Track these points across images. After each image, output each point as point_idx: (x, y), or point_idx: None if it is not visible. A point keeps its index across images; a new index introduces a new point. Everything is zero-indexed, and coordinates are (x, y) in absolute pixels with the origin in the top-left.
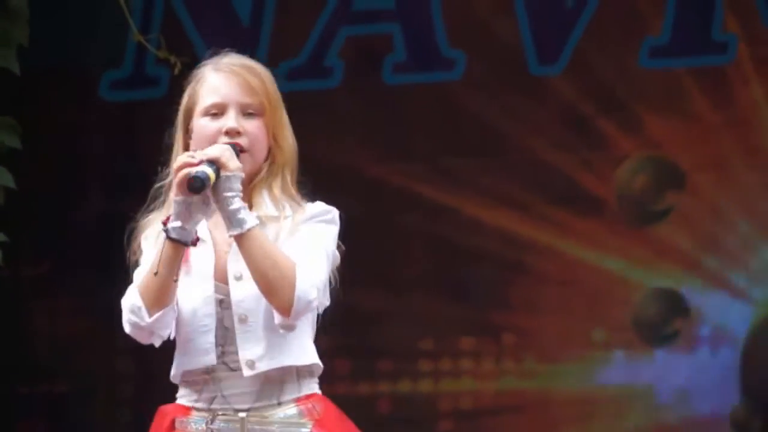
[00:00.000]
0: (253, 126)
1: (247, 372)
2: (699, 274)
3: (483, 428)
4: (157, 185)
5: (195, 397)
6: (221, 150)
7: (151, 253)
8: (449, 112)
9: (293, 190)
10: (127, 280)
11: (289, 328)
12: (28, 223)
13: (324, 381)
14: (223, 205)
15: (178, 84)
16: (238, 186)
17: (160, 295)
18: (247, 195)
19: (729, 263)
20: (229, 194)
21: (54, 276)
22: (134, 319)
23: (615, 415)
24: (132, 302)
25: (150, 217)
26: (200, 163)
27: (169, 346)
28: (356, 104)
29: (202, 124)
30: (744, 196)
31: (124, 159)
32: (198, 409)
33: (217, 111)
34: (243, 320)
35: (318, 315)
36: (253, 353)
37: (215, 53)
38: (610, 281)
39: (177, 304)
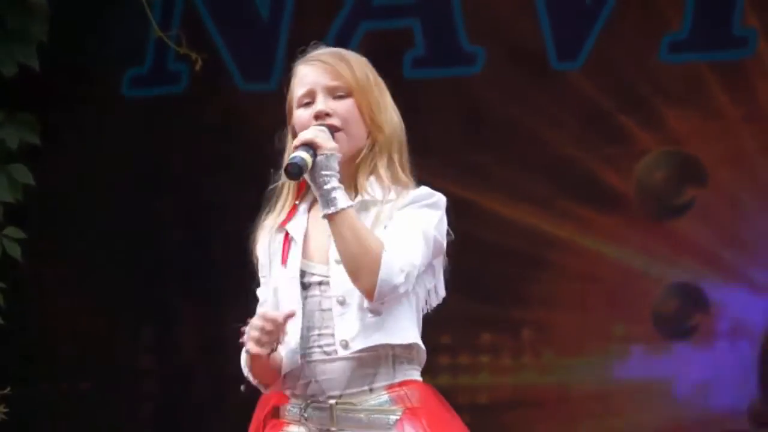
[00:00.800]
0: (342, 106)
1: (341, 352)
2: (718, 269)
3: (501, 423)
4: (270, 187)
5: (293, 383)
6: (314, 131)
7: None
8: (469, 107)
9: (401, 173)
10: (152, 278)
11: (377, 312)
12: (49, 220)
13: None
14: (318, 184)
15: (198, 80)
16: (335, 165)
17: (267, 377)
18: (352, 176)
19: (748, 258)
20: (326, 173)
21: (75, 274)
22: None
23: (634, 409)
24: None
25: (263, 221)
26: (296, 148)
27: (189, 340)
28: None
29: (298, 116)
30: (764, 191)
31: (145, 155)
32: (295, 396)
33: (308, 100)
34: (341, 302)
35: (427, 300)
36: (348, 333)
37: (306, 49)
38: (629, 276)
39: (278, 304)
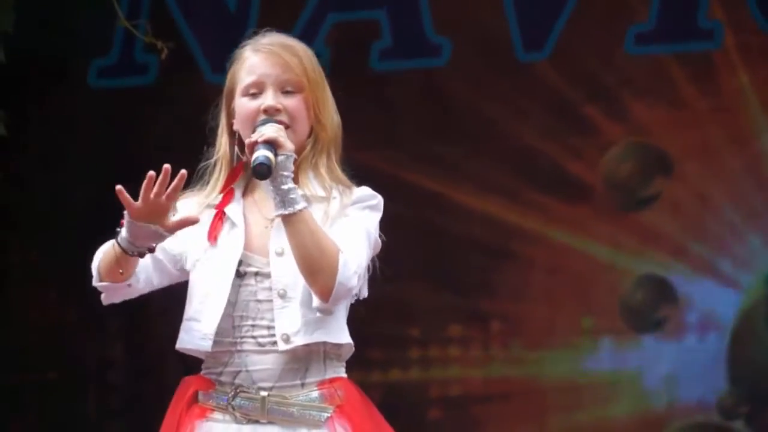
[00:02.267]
0: (292, 103)
1: (282, 346)
2: (686, 261)
3: (472, 415)
4: (202, 164)
5: (219, 370)
6: (276, 130)
7: None
8: (436, 99)
9: (339, 171)
10: None
11: (327, 312)
12: (16, 211)
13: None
14: (277, 184)
15: (166, 71)
16: (292, 166)
17: (110, 269)
18: (293, 172)
19: (716, 250)
20: (285, 173)
21: (42, 264)
22: (93, 275)
23: (603, 401)
24: (94, 262)
25: (185, 194)
26: (256, 144)
27: (158, 329)
28: (343, 90)
29: (242, 104)
30: (731, 183)
31: (112, 145)
32: (221, 383)
33: (256, 90)
34: (282, 295)
35: (355, 299)
36: (290, 327)
37: (255, 33)
38: (597, 268)
39: (196, 272)
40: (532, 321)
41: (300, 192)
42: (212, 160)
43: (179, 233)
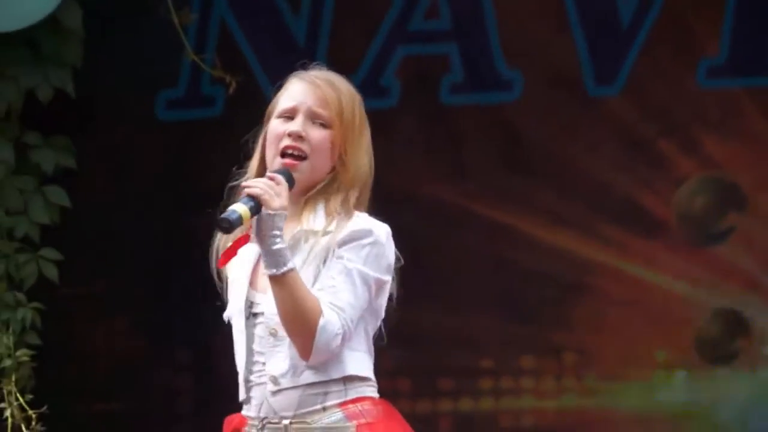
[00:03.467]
0: (317, 135)
1: (271, 387)
2: (760, 294)
3: None
4: (230, 185)
5: (249, 404)
6: (266, 186)
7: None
8: (506, 133)
9: (352, 209)
10: (183, 297)
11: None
12: (84, 242)
13: (384, 399)
14: (265, 243)
15: (233, 103)
16: (281, 224)
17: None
18: (301, 205)
19: None
20: (270, 233)
21: (110, 294)
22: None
23: None
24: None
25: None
26: (240, 194)
27: (225, 360)
28: (413, 124)
29: (273, 125)
30: None
31: (179, 178)
32: (251, 417)
33: (289, 115)
34: (273, 334)
35: (380, 318)
36: (278, 369)
37: (306, 65)
38: (671, 301)
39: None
40: (606, 353)
41: (287, 252)
42: (240, 180)
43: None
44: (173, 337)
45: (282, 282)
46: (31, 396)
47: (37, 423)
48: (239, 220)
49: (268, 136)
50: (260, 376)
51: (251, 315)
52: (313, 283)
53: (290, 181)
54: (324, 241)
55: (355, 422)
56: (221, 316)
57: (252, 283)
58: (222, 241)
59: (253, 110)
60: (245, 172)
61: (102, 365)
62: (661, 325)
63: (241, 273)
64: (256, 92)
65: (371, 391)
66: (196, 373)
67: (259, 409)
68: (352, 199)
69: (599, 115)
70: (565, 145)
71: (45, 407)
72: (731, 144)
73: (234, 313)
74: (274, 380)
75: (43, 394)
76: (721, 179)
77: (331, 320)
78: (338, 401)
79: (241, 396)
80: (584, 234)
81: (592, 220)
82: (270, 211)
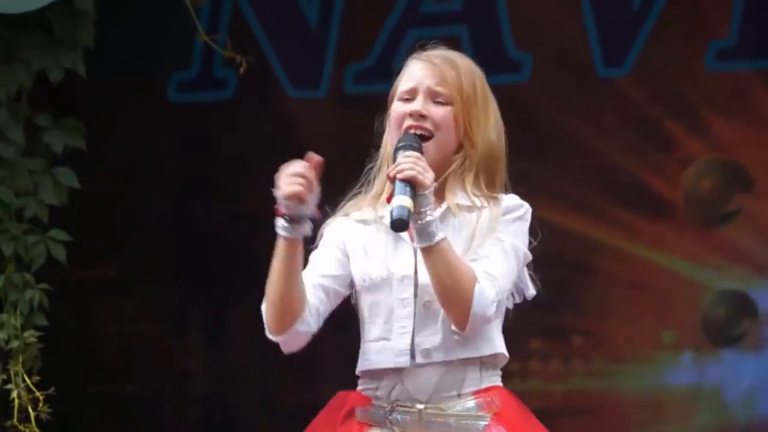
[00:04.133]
0: (439, 113)
1: (420, 359)
2: (767, 276)
3: (551, 429)
4: (368, 167)
5: (376, 385)
6: (414, 164)
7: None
8: (516, 114)
9: (485, 189)
10: (194, 279)
11: (463, 335)
12: (95, 223)
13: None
14: (417, 218)
15: (246, 86)
16: (432, 199)
17: (281, 314)
18: (440, 185)
19: None
20: (424, 209)
21: (121, 276)
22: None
23: (683, 415)
24: (263, 316)
25: (349, 200)
26: (393, 181)
27: (236, 342)
28: None
29: (394, 108)
30: None
31: (191, 160)
32: (378, 398)
33: (409, 96)
34: (427, 306)
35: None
36: (430, 342)
37: (424, 45)
38: (678, 283)
39: (374, 294)
40: (613, 335)
41: (438, 223)
42: (377, 163)
43: (342, 255)
44: (183, 319)
45: (435, 252)
46: (38, 377)
47: (44, 405)
48: (409, 215)
49: (390, 120)
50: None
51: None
52: (465, 257)
53: (420, 147)
54: (485, 216)
55: (488, 412)
56: (232, 298)
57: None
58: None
59: (264, 92)
60: (376, 164)
61: (110, 347)
62: (668, 306)
63: (374, 243)
64: (268, 74)
65: (499, 380)
66: (206, 356)
67: (390, 390)
68: (484, 177)
69: (608, 96)
70: (574, 127)
71: (52, 389)
72: (739, 126)
73: (389, 283)
74: (427, 353)
75: (50, 375)
76: (728, 161)
77: (486, 287)
78: (473, 389)
79: (395, 363)
80: (592, 216)
81: (599, 202)
82: (426, 192)
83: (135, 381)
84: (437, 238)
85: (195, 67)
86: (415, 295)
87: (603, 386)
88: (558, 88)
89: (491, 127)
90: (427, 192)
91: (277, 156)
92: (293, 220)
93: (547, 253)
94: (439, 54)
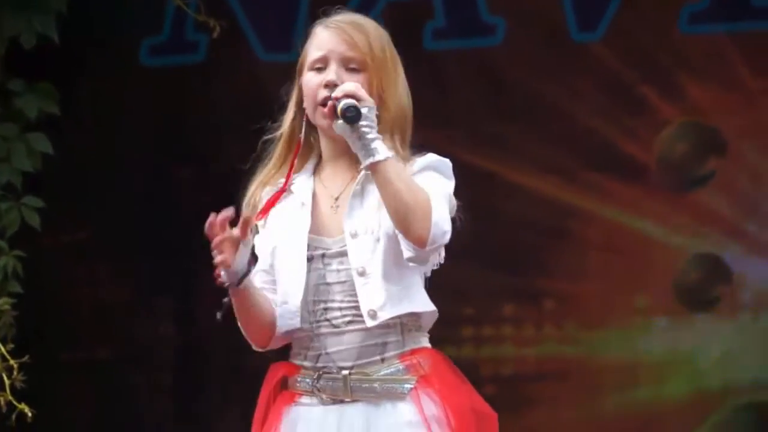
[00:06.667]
0: (353, 80)
1: (369, 322)
2: (740, 240)
3: (525, 393)
4: (266, 137)
5: (303, 354)
6: (356, 85)
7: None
8: (489, 78)
9: (400, 150)
10: (171, 247)
11: (422, 260)
12: (68, 189)
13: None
14: (361, 134)
15: (217, 50)
16: (374, 117)
17: (257, 337)
18: (352, 152)
19: None
20: (369, 123)
21: (94, 242)
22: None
23: (657, 380)
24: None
25: (259, 173)
26: (335, 99)
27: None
28: None
29: (307, 79)
30: None
31: (164, 124)
32: (305, 368)
33: (321, 65)
34: (362, 273)
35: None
36: (375, 303)
37: (328, 11)
38: (651, 247)
39: (276, 260)
40: (586, 300)
41: (382, 142)
42: (276, 135)
43: (259, 242)
44: (155, 285)
45: (387, 167)
46: (12, 345)
47: (18, 373)
48: (359, 110)
49: (304, 90)
50: (320, 325)
51: (315, 258)
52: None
53: (358, 113)
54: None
55: (414, 375)
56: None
57: (314, 230)
58: (252, 195)
59: (236, 55)
60: (279, 126)
61: (84, 314)
62: (641, 271)
63: (288, 220)
64: (239, 37)
65: (425, 341)
66: (178, 322)
67: (316, 359)
68: (398, 139)
69: (582, 60)
70: (547, 91)
71: (26, 357)
72: (713, 90)
73: (288, 249)
74: (373, 314)
75: (24, 343)
76: (702, 125)
77: (437, 203)
78: (397, 352)
79: (291, 325)
80: (565, 180)
81: (573, 166)
82: (369, 105)
83: (108, 347)
84: (386, 153)
85: (166, 30)
86: (312, 256)
87: (576, 351)
88: (531, 53)
89: (402, 87)
90: (369, 106)
91: (249, 118)
92: (231, 283)
93: (520, 216)
94: (347, 19)
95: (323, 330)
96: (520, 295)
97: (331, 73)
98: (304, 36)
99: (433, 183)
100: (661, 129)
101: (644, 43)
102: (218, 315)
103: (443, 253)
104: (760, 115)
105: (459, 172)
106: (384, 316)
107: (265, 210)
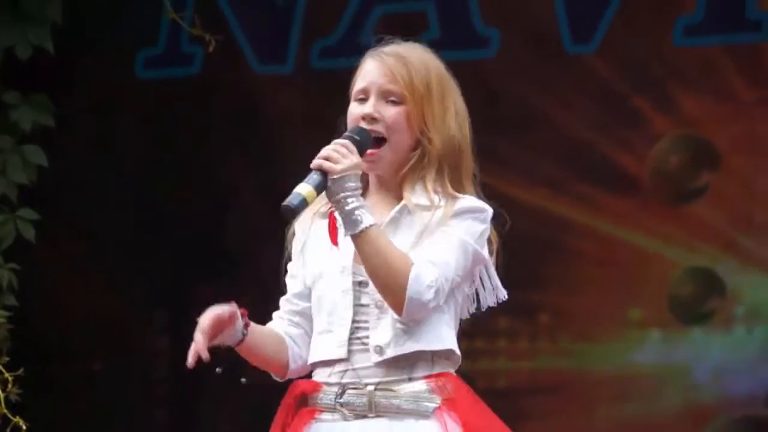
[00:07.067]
0: (392, 113)
1: (375, 358)
2: (734, 253)
3: (519, 407)
4: None
5: (328, 371)
6: (329, 152)
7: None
8: (483, 90)
9: (449, 186)
10: (166, 260)
11: (404, 322)
12: (63, 201)
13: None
14: (337, 207)
15: (213, 62)
16: (352, 185)
17: (273, 370)
18: (398, 185)
19: (764, 242)
20: (341, 195)
21: (89, 255)
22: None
23: (651, 394)
24: None
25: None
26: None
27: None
28: None
29: (351, 109)
30: None
31: (159, 137)
32: (329, 384)
33: (363, 96)
34: (380, 306)
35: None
36: (382, 339)
37: (382, 40)
38: (645, 260)
39: (318, 289)
40: (579, 313)
41: (364, 210)
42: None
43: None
44: (151, 297)
45: (364, 239)
46: (7, 358)
47: (13, 386)
48: (303, 203)
49: (348, 120)
50: (357, 343)
51: (355, 284)
52: (412, 252)
53: (365, 138)
54: (438, 213)
55: (439, 395)
56: (199, 275)
57: (356, 256)
58: (308, 225)
59: (231, 69)
60: None
61: (79, 326)
62: (635, 284)
63: (330, 249)
64: (235, 51)
65: (452, 369)
66: (173, 335)
67: (342, 375)
68: (448, 172)
69: (576, 72)
70: (541, 103)
71: (21, 370)
72: (707, 102)
73: (333, 275)
74: (380, 350)
75: (19, 356)
76: (696, 137)
77: (423, 271)
78: (424, 374)
79: (336, 355)
80: (559, 192)
81: (567, 179)
82: (335, 176)
83: (103, 359)
84: (363, 225)
85: (162, 43)
86: (358, 286)
87: (570, 365)
88: (525, 64)
89: (450, 120)
90: (336, 176)
91: (244, 130)
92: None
93: (513, 229)
94: (392, 50)
95: (354, 347)
96: (514, 308)
97: (368, 107)
98: (356, 66)
99: (452, 236)
100: (655, 141)
101: (638, 55)
102: (217, 369)
103: (495, 296)
104: (755, 128)
105: None
106: (390, 353)
107: (333, 240)
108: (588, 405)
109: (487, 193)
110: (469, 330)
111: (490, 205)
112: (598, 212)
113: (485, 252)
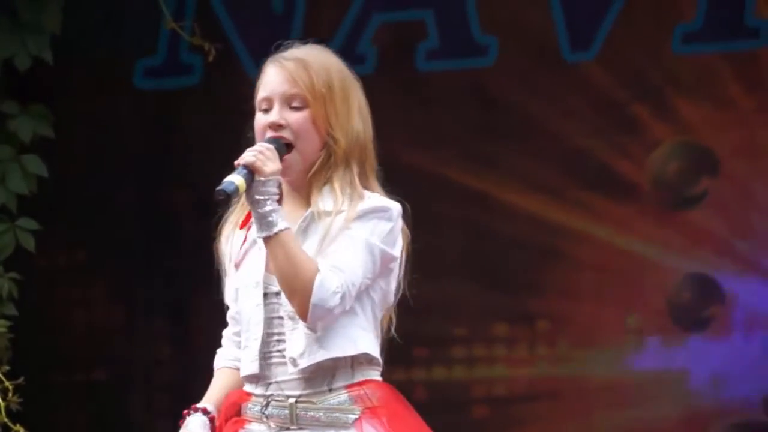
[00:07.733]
0: (296, 118)
1: (290, 369)
2: (733, 260)
3: (517, 414)
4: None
5: (255, 382)
6: (257, 153)
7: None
8: (482, 99)
9: (357, 183)
10: (166, 269)
11: (313, 330)
12: (63, 211)
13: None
14: (254, 207)
15: (212, 72)
16: (273, 190)
17: None
18: (306, 188)
19: (763, 248)
20: (260, 197)
21: (89, 264)
22: None
23: (649, 400)
24: None
25: (228, 216)
26: (237, 166)
27: (204, 329)
28: (389, 91)
29: (256, 119)
30: None
31: (158, 146)
32: (256, 395)
33: (266, 106)
34: (292, 317)
35: (389, 304)
36: (295, 350)
37: (280, 45)
38: (644, 267)
39: (238, 303)
40: (578, 320)
41: (278, 214)
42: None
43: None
44: (151, 306)
45: (275, 242)
46: (7, 367)
47: (14, 395)
48: (236, 191)
49: (255, 131)
50: (272, 355)
51: (269, 294)
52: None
53: (281, 148)
54: (339, 219)
55: (360, 405)
56: (199, 285)
57: (268, 266)
58: (227, 237)
59: (230, 78)
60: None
61: (79, 336)
62: (633, 290)
63: (247, 261)
64: (234, 60)
65: (376, 374)
66: (173, 344)
67: (267, 387)
68: (356, 169)
69: (575, 80)
70: (540, 111)
71: (22, 378)
72: (705, 109)
73: (248, 288)
74: (293, 361)
75: (20, 365)
76: (694, 144)
77: (328, 277)
78: (344, 383)
79: (250, 370)
80: (558, 199)
81: (565, 185)
82: (262, 178)
83: (104, 368)
84: (277, 228)
85: (161, 52)
86: (275, 297)
87: (568, 371)
88: (524, 72)
89: (354, 117)
90: (263, 178)
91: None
92: None
93: (512, 236)
94: (291, 55)
95: (274, 360)
96: (513, 314)
97: (273, 115)
98: (258, 75)
99: (357, 240)
100: (654, 148)
101: (637, 62)
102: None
103: (390, 299)
104: (753, 135)
105: (451, 192)
106: (303, 364)
107: (237, 263)
108: (587, 411)
109: (486, 200)
110: (468, 337)
111: (396, 200)
112: (597, 219)
113: (396, 250)
